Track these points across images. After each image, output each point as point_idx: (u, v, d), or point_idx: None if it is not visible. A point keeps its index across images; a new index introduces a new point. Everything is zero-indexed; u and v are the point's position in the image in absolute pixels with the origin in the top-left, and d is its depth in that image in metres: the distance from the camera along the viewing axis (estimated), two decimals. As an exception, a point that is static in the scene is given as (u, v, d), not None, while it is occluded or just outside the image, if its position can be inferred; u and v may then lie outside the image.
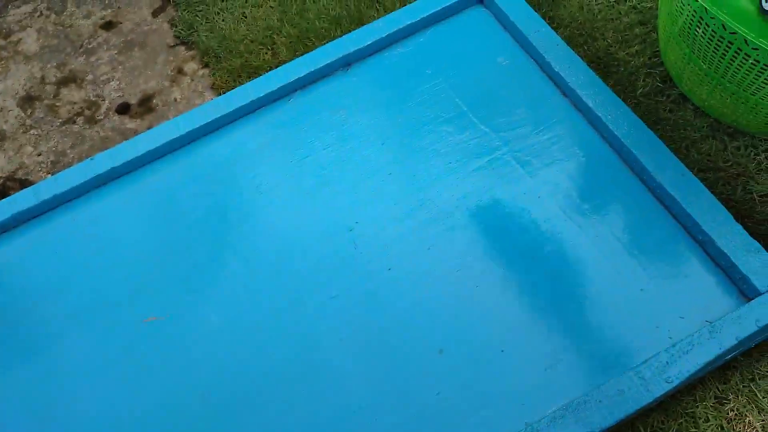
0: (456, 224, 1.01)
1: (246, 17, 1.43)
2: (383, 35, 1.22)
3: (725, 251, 0.90)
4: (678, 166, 0.98)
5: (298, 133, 1.15)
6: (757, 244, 0.90)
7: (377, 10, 1.36)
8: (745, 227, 1.01)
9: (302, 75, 1.19)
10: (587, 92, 1.08)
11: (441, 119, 1.13)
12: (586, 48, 1.22)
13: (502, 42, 1.20)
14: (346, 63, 1.22)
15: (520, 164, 1.06)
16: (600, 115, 1.05)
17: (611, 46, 1.21)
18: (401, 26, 1.22)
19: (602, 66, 1.19)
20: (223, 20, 1.44)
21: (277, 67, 1.33)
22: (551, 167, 1.05)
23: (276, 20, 1.40)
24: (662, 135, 1.10)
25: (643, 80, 1.16)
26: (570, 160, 1.05)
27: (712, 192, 1.04)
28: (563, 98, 1.12)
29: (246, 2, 1.46)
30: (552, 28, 1.25)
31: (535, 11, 1.27)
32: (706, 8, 0.88)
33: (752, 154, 1.07)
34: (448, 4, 1.23)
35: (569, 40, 1.23)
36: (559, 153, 1.06)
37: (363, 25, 1.34)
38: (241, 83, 1.34)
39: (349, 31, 1.31)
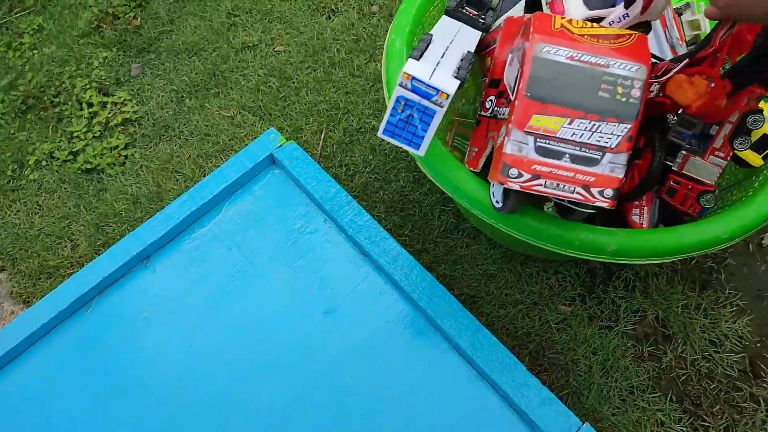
0: None
1: (40, 207, 1.34)
2: (178, 220, 1.18)
3: (522, 407, 0.93)
4: (472, 322, 1.01)
5: (95, 352, 1.08)
6: (549, 393, 0.94)
7: (176, 180, 1.32)
8: (547, 360, 1.06)
9: (98, 281, 1.13)
10: (379, 252, 1.10)
11: (244, 308, 1.11)
12: (382, 193, 1.24)
13: (299, 205, 1.20)
14: (144, 256, 1.17)
15: (328, 334, 1.05)
16: (397, 278, 1.07)
17: (405, 187, 1.24)
18: (196, 207, 1.19)
19: (399, 210, 1.22)
20: (15, 213, 1.34)
21: (77, 262, 1.25)
22: (357, 333, 1.05)
23: (72, 206, 1.32)
24: (463, 274, 1.14)
25: (438, 218, 1.20)
26: (376, 321, 1.06)
27: (513, 327, 1.09)
28: (363, 257, 1.13)
29: (39, 189, 1.37)
30: (349, 175, 1.27)
31: (331, 160, 1.29)
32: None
33: (544, 278, 1.13)
34: (242, 173, 1.22)
35: (366, 186, 1.26)
36: (368, 319, 1.07)
37: (163, 201, 1.30)
38: (41, 287, 1.25)
39: (150, 211, 1.27)
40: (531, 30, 0.71)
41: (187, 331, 1.08)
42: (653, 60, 0.91)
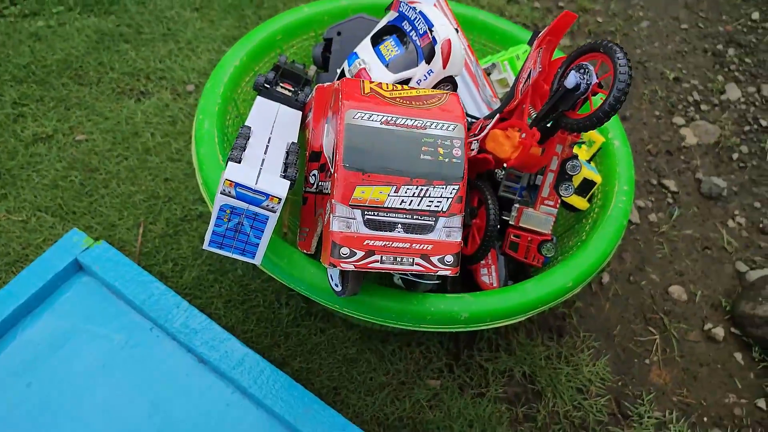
0: None
1: None
2: (-48, 359, 0.92)
3: None
4: (336, 419, 0.89)
5: None
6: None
7: (-49, 309, 1.05)
8: (424, 446, 0.96)
9: None
10: (220, 357, 0.94)
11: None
12: (219, 286, 1.10)
13: (117, 315, 1.01)
14: None
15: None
16: (245, 384, 0.92)
17: (244, 276, 1.11)
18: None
19: (240, 303, 1.08)
20: None
21: None
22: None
23: None
24: (321, 364, 1.02)
25: (286, 305, 1.08)
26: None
27: (383, 414, 0.99)
28: (201, 366, 0.96)
29: None
30: (177, 272, 1.11)
31: (154, 257, 1.12)
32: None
33: (407, 353, 1.05)
34: (39, 287, 1.00)
35: (199, 281, 1.10)
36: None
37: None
38: None
39: None
40: (340, 97, 0.65)
41: None
42: (470, 119, 0.91)
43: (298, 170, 0.70)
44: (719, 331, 1.15)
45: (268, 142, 0.72)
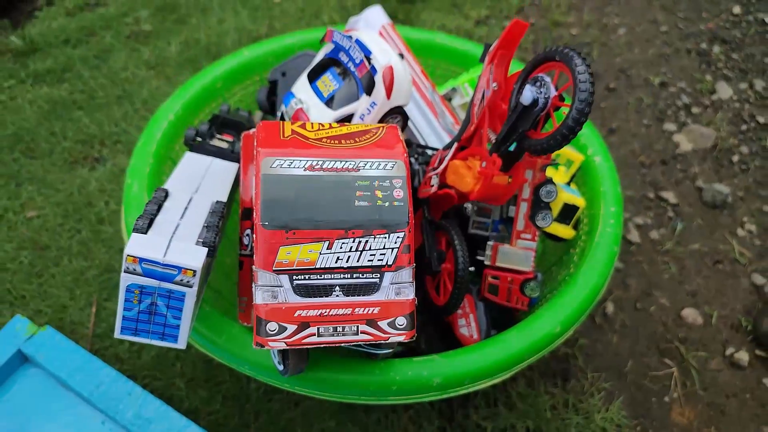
0: None
1: None
2: None
3: None
4: None
5: None
6: None
7: None
8: None
9: None
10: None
11: None
12: (181, 364, 0.99)
13: (65, 409, 0.91)
14: None
15: None
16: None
17: (208, 349, 1.00)
18: None
19: (204, 380, 0.97)
20: None
21: None
22: None
23: None
24: (260, 426, 0.90)
25: (255, 378, 0.97)
26: None
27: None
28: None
29: None
30: (134, 352, 1.00)
31: (110, 338, 1.01)
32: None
33: (394, 421, 0.93)
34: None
35: (159, 360, 1.00)
36: None
37: None
38: None
39: None
40: (255, 144, 0.56)
41: None
42: (431, 151, 0.81)
43: (220, 233, 0.60)
44: (743, 356, 1.02)
45: (188, 204, 0.63)
